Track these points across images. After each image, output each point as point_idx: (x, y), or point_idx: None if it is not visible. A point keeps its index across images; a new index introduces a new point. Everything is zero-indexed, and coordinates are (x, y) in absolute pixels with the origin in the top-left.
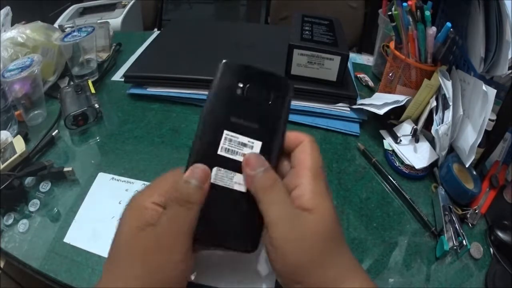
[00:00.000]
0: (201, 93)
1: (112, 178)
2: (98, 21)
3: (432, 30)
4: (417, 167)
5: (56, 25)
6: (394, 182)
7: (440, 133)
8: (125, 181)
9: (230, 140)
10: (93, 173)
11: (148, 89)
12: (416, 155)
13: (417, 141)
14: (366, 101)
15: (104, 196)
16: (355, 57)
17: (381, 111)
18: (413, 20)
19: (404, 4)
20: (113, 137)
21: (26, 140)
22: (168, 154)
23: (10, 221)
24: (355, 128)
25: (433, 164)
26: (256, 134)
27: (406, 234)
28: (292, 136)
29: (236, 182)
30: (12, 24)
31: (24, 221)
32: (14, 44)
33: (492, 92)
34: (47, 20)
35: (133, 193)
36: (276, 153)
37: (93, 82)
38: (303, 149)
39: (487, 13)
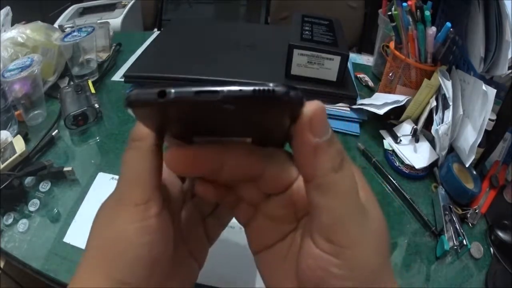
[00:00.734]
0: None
1: (112, 178)
2: (98, 21)
3: (432, 30)
4: (417, 167)
5: (56, 25)
6: (394, 182)
7: (440, 133)
8: None
9: None
10: (93, 173)
11: None
12: (416, 155)
13: (417, 141)
14: (366, 101)
15: (104, 196)
16: (355, 57)
17: (381, 111)
18: (413, 20)
19: (404, 4)
20: (113, 137)
21: (26, 140)
22: None
23: (10, 221)
24: (355, 128)
25: (433, 164)
26: None
27: (406, 234)
28: None
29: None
30: (12, 24)
31: (24, 221)
32: (14, 44)
33: (492, 92)
34: (47, 20)
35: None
36: None
37: (93, 82)
38: None
39: (487, 13)
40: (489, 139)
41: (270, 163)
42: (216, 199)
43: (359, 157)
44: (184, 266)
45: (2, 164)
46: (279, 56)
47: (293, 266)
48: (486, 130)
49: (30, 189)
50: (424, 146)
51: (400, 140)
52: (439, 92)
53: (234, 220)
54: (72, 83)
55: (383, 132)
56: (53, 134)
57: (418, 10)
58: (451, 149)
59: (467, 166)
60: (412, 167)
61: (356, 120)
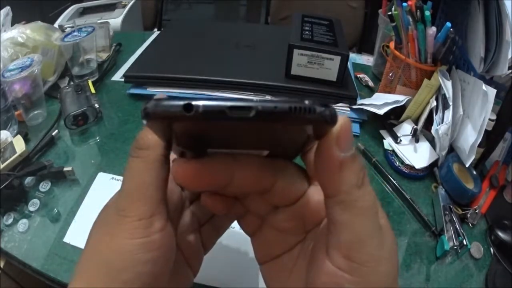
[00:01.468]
0: (201, 93)
1: (112, 178)
2: (98, 21)
3: (432, 30)
4: (417, 167)
5: (56, 25)
6: (394, 182)
7: (440, 133)
8: None
9: None
10: (93, 173)
11: (148, 89)
12: (416, 155)
13: (417, 141)
14: (366, 101)
15: (104, 196)
16: (355, 57)
17: (381, 111)
18: (413, 20)
19: (404, 4)
20: (113, 137)
21: (26, 140)
22: None
23: (10, 221)
24: (355, 128)
25: (433, 164)
26: None
27: (406, 234)
28: None
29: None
30: (12, 24)
31: (24, 221)
32: (14, 44)
33: (492, 92)
34: (47, 20)
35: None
36: None
37: (93, 82)
38: None
39: (487, 13)
40: (489, 139)
41: (280, 177)
42: (224, 212)
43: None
44: (179, 274)
45: (2, 164)
46: (279, 56)
47: (300, 278)
48: (486, 130)
49: (30, 189)
50: (424, 146)
51: (400, 140)
52: (439, 92)
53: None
54: (72, 83)
55: (383, 132)
56: (53, 134)
57: (418, 10)
58: (451, 149)
59: (467, 166)
60: (412, 167)
61: (356, 120)
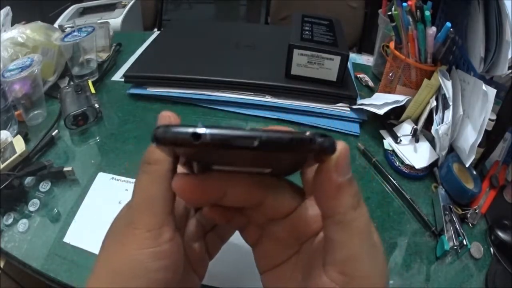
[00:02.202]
0: (201, 93)
1: (112, 178)
2: (98, 21)
3: (432, 30)
4: (417, 167)
5: (56, 25)
6: (394, 182)
7: (440, 133)
8: (125, 181)
9: None
10: (93, 173)
11: (148, 89)
12: (416, 155)
13: (417, 141)
14: (366, 101)
15: (104, 196)
16: (355, 57)
17: (381, 111)
18: (413, 20)
19: (404, 4)
20: (113, 137)
21: (26, 140)
22: None
23: (10, 221)
24: (355, 128)
25: (433, 164)
26: None
27: (406, 234)
28: None
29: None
30: (12, 24)
31: (24, 221)
32: (14, 44)
33: (492, 92)
34: (47, 20)
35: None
36: None
37: (93, 82)
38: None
39: (487, 13)
40: (489, 139)
41: (271, 193)
42: (223, 222)
43: (359, 157)
44: (186, 280)
45: (2, 164)
46: (279, 56)
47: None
48: (486, 130)
49: (30, 189)
50: (424, 146)
51: (400, 140)
52: (439, 92)
53: None
54: (72, 83)
55: (383, 132)
56: (53, 134)
57: (418, 10)
58: (451, 149)
59: (467, 166)
60: (412, 167)
61: (356, 120)
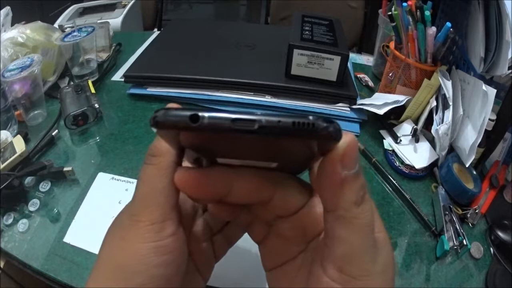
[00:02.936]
0: (201, 93)
1: (112, 178)
2: (98, 21)
3: (432, 30)
4: (417, 167)
5: (56, 25)
6: (394, 182)
7: (440, 133)
8: (125, 181)
9: None
10: (93, 173)
11: (148, 89)
12: (416, 155)
13: (417, 141)
14: (366, 101)
15: (104, 196)
16: (355, 57)
17: (381, 111)
18: (413, 20)
19: (404, 4)
20: (113, 137)
21: (26, 140)
22: None
23: (10, 221)
24: (355, 128)
25: (433, 164)
26: None
27: (406, 234)
28: None
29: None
30: (12, 24)
31: (24, 220)
32: (14, 44)
33: (492, 92)
34: (47, 20)
35: (133, 193)
36: None
37: (93, 82)
38: None
39: (487, 13)
40: (489, 139)
41: (279, 190)
42: (229, 219)
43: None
44: (190, 280)
45: (2, 164)
46: (279, 56)
47: (302, 286)
48: (486, 130)
49: (30, 189)
50: (424, 146)
51: (400, 140)
52: (439, 92)
53: None
54: (72, 83)
55: (383, 132)
56: (53, 134)
57: (418, 10)
58: (451, 149)
59: (467, 166)
60: (412, 167)
61: (356, 120)
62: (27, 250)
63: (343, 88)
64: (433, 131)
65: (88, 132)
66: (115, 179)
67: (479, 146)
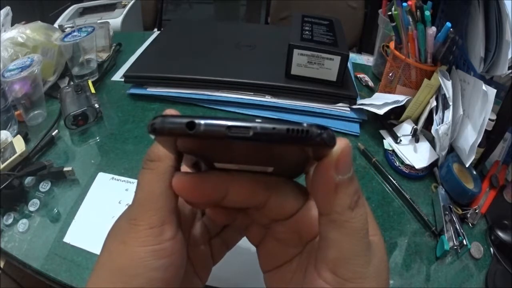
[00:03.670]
0: (201, 93)
1: (112, 178)
2: (98, 21)
3: (432, 30)
4: (417, 167)
5: (56, 25)
6: (394, 182)
7: (440, 133)
8: (125, 181)
9: None
10: (93, 173)
11: (148, 89)
12: (416, 155)
13: (417, 141)
14: (366, 101)
15: (104, 196)
16: (355, 57)
17: (381, 111)
18: (413, 20)
19: (404, 4)
20: (113, 137)
21: (26, 140)
22: None
23: (10, 221)
24: (355, 128)
25: (433, 164)
26: None
27: (406, 234)
28: None
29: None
30: (12, 24)
31: (24, 220)
32: (14, 44)
33: (492, 92)
34: (47, 20)
35: (133, 193)
36: None
37: (93, 82)
38: None
39: (487, 13)
40: (489, 139)
41: (274, 194)
42: (227, 222)
43: (359, 157)
44: (187, 283)
45: (2, 164)
46: (279, 56)
47: None
48: (486, 130)
49: (30, 189)
50: (424, 146)
51: (400, 140)
52: (439, 92)
53: None
54: (72, 83)
55: (383, 132)
56: (53, 134)
57: (418, 10)
58: (451, 149)
59: (467, 166)
60: (412, 167)
61: (356, 120)
62: (27, 250)
63: (343, 88)
64: (433, 131)
65: (88, 132)
66: (115, 179)
67: (479, 146)
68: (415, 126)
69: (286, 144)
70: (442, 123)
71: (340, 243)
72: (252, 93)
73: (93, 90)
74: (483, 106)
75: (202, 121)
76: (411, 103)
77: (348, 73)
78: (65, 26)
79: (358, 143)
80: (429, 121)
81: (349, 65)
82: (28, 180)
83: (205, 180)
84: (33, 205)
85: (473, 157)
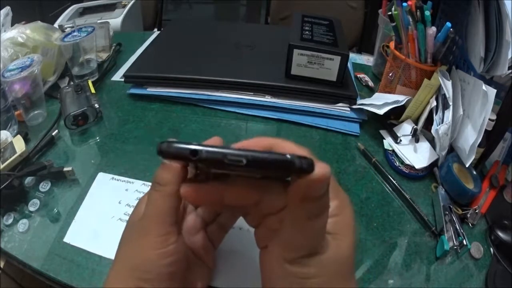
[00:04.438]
0: (201, 93)
1: (112, 178)
2: (98, 21)
3: (432, 30)
4: (417, 167)
5: (56, 25)
6: (394, 182)
7: (440, 133)
8: (125, 181)
9: None
10: (93, 173)
11: (148, 89)
12: (416, 155)
13: (417, 141)
14: (366, 101)
15: (104, 196)
16: (355, 57)
17: (381, 111)
18: (413, 20)
19: (404, 4)
20: (113, 137)
21: (26, 140)
22: None
23: (10, 221)
24: (355, 128)
25: (433, 164)
26: None
27: (406, 234)
28: None
29: None
30: (12, 24)
31: (24, 221)
32: (14, 44)
33: (492, 92)
34: (47, 20)
35: (133, 193)
36: None
37: (93, 82)
38: None
39: (487, 13)
40: (489, 139)
41: (265, 195)
42: (228, 213)
43: (359, 157)
44: (194, 268)
45: (2, 164)
46: (279, 56)
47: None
48: (486, 130)
49: (30, 189)
50: (424, 146)
51: (400, 140)
52: (439, 92)
53: (238, 222)
54: (72, 83)
55: (383, 132)
56: (53, 134)
57: (418, 10)
58: (451, 149)
59: (467, 166)
60: (412, 167)
61: (356, 120)
62: (27, 250)
63: (343, 88)
64: (433, 131)
65: (88, 132)
66: (115, 179)
67: (479, 146)
68: (415, 126)
69: (274, 170)
70: (442, 123)
71: (290, 232)
72: (252, 93)
73: (93, 90)
74: (483, 106)
75: (204, 150)
76: (411, 103)
77: (348, 73)
78: (65, 26)
79: (358, 143)
80: (429, 121)
81: (349, 65)
82: (28, 180)
83: (205, 189)
84: (33, 205)
85: (473, 157)
